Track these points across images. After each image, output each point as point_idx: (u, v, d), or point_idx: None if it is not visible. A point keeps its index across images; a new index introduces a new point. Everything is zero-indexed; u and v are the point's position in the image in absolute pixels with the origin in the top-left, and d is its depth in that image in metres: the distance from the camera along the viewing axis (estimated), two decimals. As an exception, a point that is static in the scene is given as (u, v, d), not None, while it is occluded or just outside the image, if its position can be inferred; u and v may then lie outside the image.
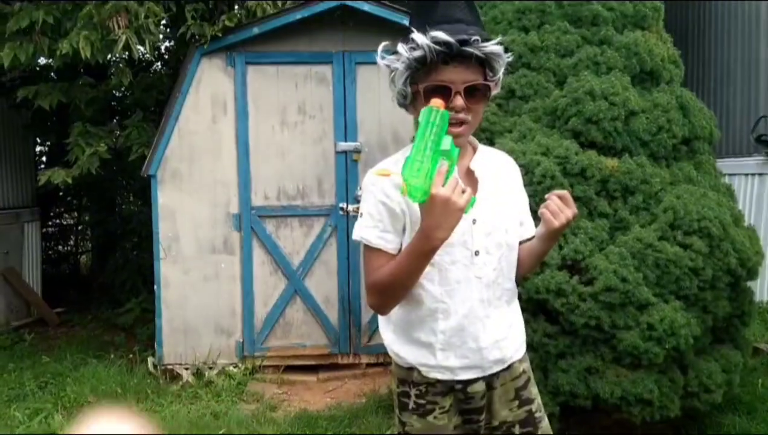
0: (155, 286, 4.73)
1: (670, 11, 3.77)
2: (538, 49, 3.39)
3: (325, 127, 4.73)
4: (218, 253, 4.71)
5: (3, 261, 6.15)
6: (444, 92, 1.53)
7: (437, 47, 1.50)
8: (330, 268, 4.77)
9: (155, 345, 4.77)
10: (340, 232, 4.75)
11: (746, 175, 6.07)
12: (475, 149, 1.73)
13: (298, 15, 4.53)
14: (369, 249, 1.64)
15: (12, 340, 5.63)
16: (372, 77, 4.70)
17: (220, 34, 4.48)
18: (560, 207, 1.62)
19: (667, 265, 3.00)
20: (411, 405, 1.72)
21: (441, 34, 1.49)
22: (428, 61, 1.52)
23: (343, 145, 4.72)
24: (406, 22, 4.58)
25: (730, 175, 5.62)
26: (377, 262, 1.62)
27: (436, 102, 1.45)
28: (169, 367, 4.71)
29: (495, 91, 1.64)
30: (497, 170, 1.74)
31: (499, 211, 1.69)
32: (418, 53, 1.52)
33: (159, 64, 7.12)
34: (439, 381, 1.70)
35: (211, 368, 4.67)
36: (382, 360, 4.75)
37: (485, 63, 1.57)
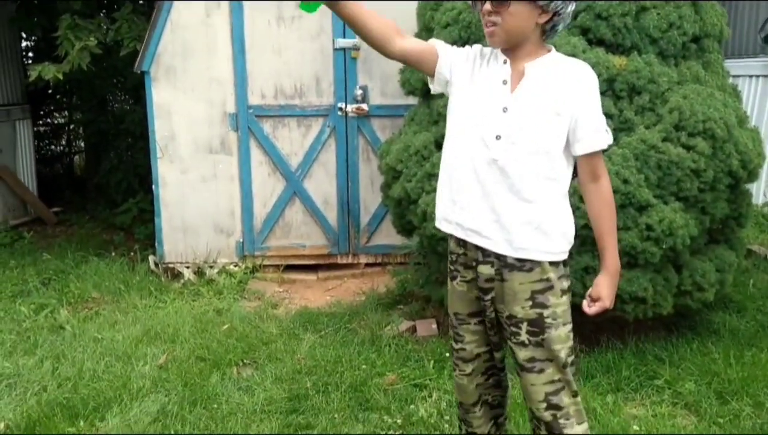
0: (153, 186, 4.71)
1: None
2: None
3: (323, 23, 4.55)
4: (215, 153, 4.67)
5: (-3, 160, 6.10)
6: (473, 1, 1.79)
7: None
8: (329, 170, 4.75)
9: (156, 244, 4.82)
10: (338, 133, 4.69)
11: (751, 76, 5.96)
12: (547, 52, 1.86)
13: None
14: None
15: (11, 238, 5.67)
16: (372, -31, 4.47)
17: None
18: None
19: (669, 166, 2.99)
20: (449, 267, 2.05)
21: None
22: None
23: (342, 42, 4.57)
24: None
25: (735, 76, 5.51)
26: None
27: None
28: (170, 265, 4.77)
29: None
30: (555, 77, 1.81)
31: (537, 113, 1.80)
32: None
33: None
34: (465, 254, 1.96)
35: (211, 267, 4.74)
36: (381, 260, 4.84)
37: None
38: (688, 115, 3.00)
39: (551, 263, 1.87)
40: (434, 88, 1.98)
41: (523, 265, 1.86)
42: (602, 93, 3.10)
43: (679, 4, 3.18)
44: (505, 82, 1.83)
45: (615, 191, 2.92)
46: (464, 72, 1.89)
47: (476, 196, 1.86)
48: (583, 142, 1.82)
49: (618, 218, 2.97)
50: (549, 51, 1.86)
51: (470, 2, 1.88)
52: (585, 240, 3.07)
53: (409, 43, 1.90)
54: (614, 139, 3.10)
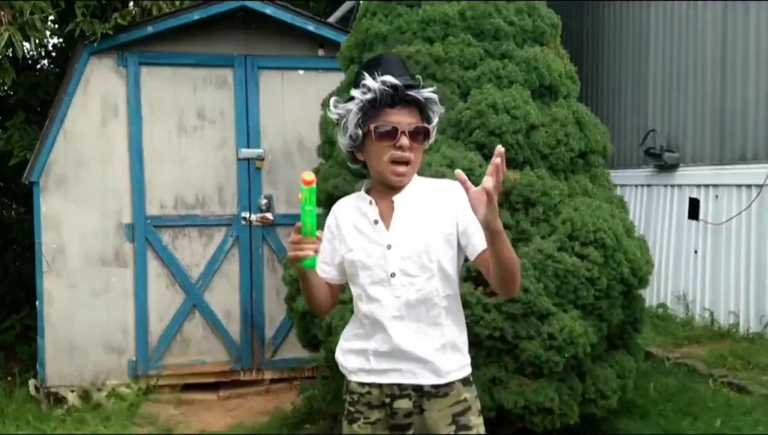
0: (37, 302, 4.37)
1: (565, 29, 3.89)
2: (442, 61, 3.39)
3: (226, 134, 4.55)
4: (109, 266, 4.42)
5: None
6: (392, 133, 1.77)
7: (387, 89, 1.75)
8: (232, 281, 4.59)
9: (37, 366, 4.41)
10: (242, 242, 4.58)
11: (636, 186, 6.41)
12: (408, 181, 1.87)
13: (196, 15, 4.35)
14: None
15: None
16: (275, 83, 4.57)
17: (111, 33, 4.22)
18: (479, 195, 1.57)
19: (566, 275, 3.06)
20: (345, 411, 1.91)
21: (390, 78, 1.75)
22: (378, 103, 1.76)
23: (246, 152, 4.55)
24: (310, 27, 4.51)
25: (621, 185, 5.92)
26: None
27: (305, 178, 1.64)
28: (53, 389, 4.37)
29: (431, 139, 1.86)
30: (425, 199, 1.86)
31: (420, 238, 1.82)
32: (369, 96, 1.76)
33: (46, 62, 6.67)
34: (370, 393, 1.85)
35: (99, 390, 4.37)
36: (287, 375, 4.63)
37: (423, 110, 1.82)
38: (580, 226, 3.12)
39: (464, 383, 1.87)
40: None
41: (439, 391, 1.83)
42: (500, 205, 3.19)
43: (564, 122, 3.39)
44: (376, 222, 1.84)
45: (516, 300, 2.95)
46: (337, 250, 1.89)
47: (389, 337, 1.81)
48: (479, 243, 1.77)
49: (521, 328, 3.00)
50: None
51: (355, 137, 1.80)
52: (491, 351, 3.06)
53: (332, 299, 1.95)
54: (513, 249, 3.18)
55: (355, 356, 1.89)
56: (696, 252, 5.56)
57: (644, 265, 3.30)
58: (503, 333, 2.98)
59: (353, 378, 1.89)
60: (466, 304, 2.88)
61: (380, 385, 1.85)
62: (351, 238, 1.87)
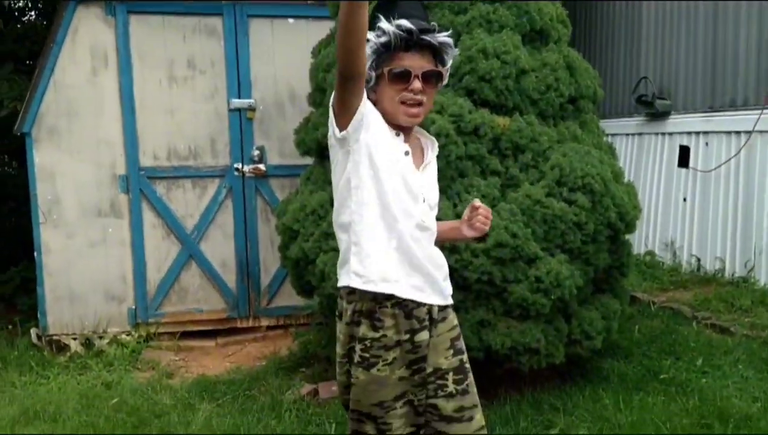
0: (35, 253, 4.43)
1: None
2: (432, 6, 3.37)
3: (217, 83, 4.53)
4: (105, 217, 4.46)
5: None
6: (406, 76, 1.81)
7: (401, 33, 1.78)
8: (226, 232, 4.64)
9: (38, 315, 4.49)
10: (236, 193, 4.62)
11: (627, 135, 6.42)
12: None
13: (184, -38, 4.29)
14: None
15: None
16: (266, 31, 4.53)
17: (98, -19, 4.16)
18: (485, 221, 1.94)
19: (554, 220, 3.12)
20: (356, 359, 1.85)
21: (405, 22, 1.78)
22: (392, 46, 1.79)
23: (237, 103, 4.55)
24: (301, -25, 4.45)
25: (612, 135, 5.94)
26: None
27: None
28: (55, 337, 4.46)
29: (443, 82, 1.93)
30: (431, 144, 2.01)
31: (433, 176, 1.99)
32: (384, 39, 1.79)
33: (33, 13, 6.56)
34: (385, 336, 1.82)
35: (101, 337, 4.47)
36: (283, 322, 4.73)
37: (437, 54, 1.86)
38: (568, 172, 3.17)
39: (454, 308, 1.98)
40: (339, 132, 1.81)
41: (440, 315, 1.92)
42: (488, 151, 3.25)
43: (555, 67, 3.39)
44: (407, 153, 1.89)
45: (504, 245, 3.02)
46: (384, 128, 1.84)
47: (421, 254, 1.88)
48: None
49: (509, 271, 3.07)
50: None
51: (374, 76, 1.83)
52: (479, 294, 3.14)
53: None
54: (501, 195, 3.23)
55: (388, 264, 1.83)
56: (685, 199, 5.62)
57: (632, 209, 3.35)
58: (491, 277, 3.05)
59: (380, 289, 1.82)
60: (454, 250, 2.98)
61: (382, 327, 1.83)
62: (393, 145, 1.85)
